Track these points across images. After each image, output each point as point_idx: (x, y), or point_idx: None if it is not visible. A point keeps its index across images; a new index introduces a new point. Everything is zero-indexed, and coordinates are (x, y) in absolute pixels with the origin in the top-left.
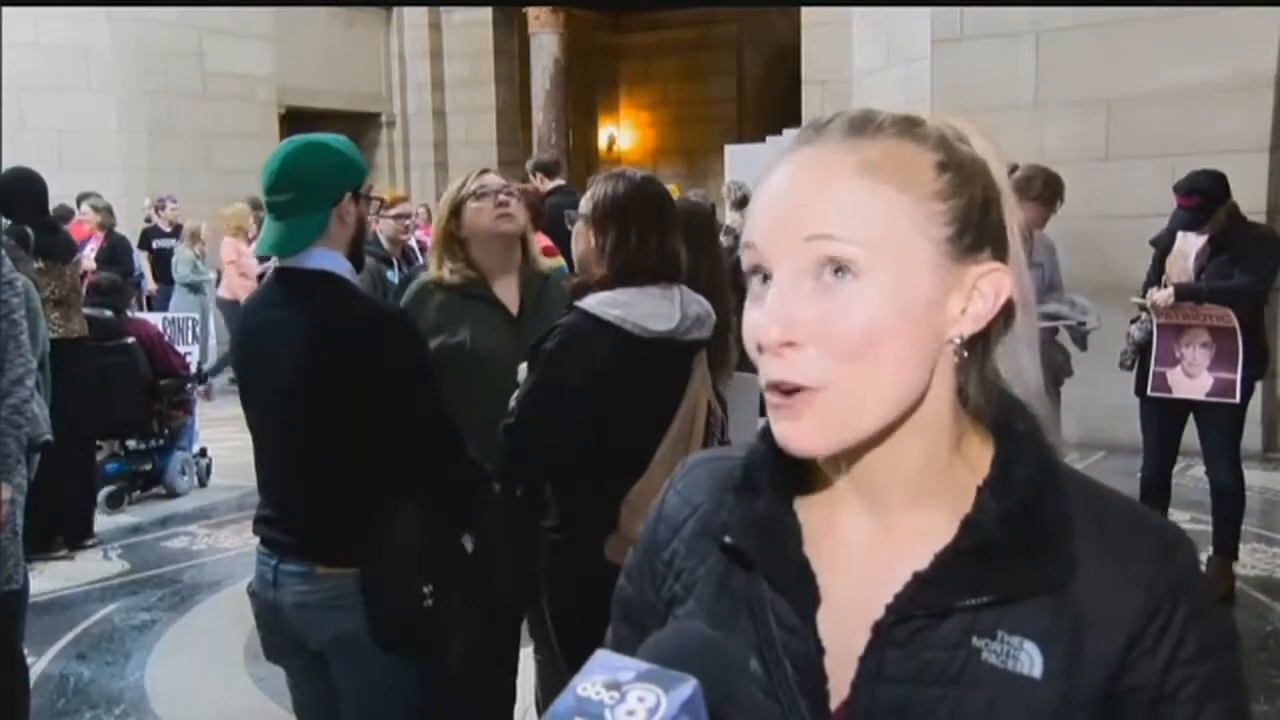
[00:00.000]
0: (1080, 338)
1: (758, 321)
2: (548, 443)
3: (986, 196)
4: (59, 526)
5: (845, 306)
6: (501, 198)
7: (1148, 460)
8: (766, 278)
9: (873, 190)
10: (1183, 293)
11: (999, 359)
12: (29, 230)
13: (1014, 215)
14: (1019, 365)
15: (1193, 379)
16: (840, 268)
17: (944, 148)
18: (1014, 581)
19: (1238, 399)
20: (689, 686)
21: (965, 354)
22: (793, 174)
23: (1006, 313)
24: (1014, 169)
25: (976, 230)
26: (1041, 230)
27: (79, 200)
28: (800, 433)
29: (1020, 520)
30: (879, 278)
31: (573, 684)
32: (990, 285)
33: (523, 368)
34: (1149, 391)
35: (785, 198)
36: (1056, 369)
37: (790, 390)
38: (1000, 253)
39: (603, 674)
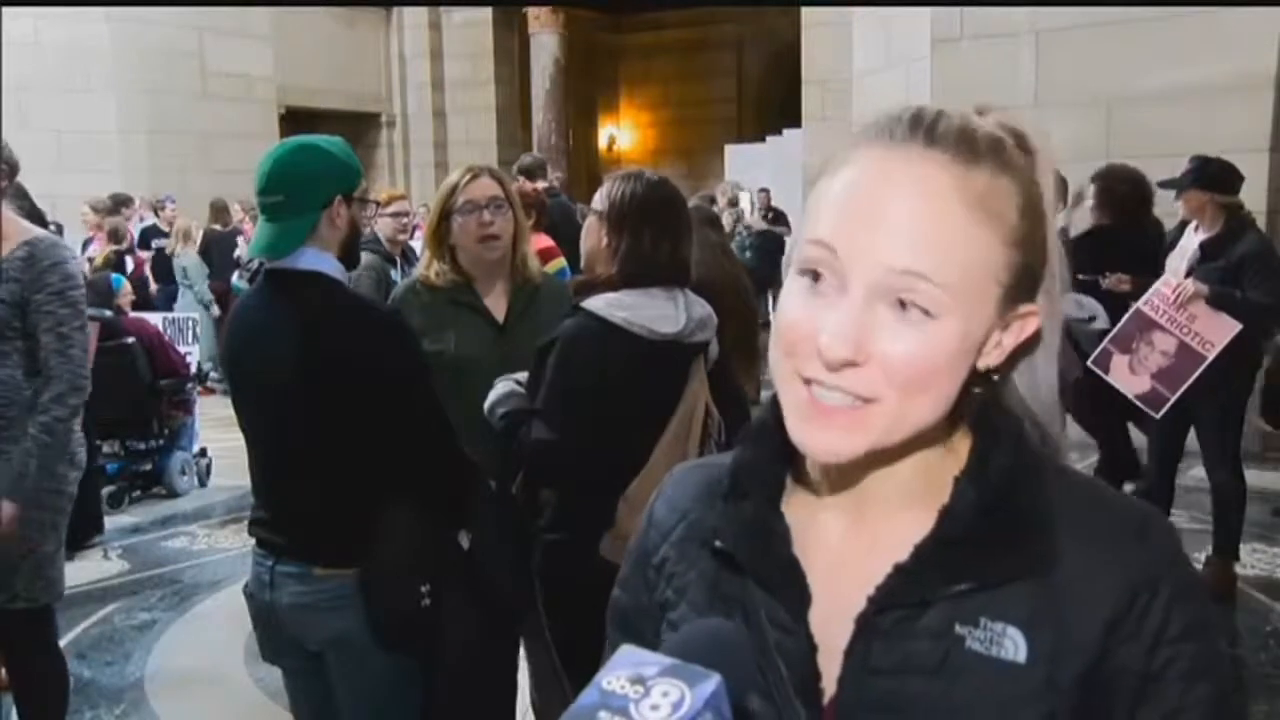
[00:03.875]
0: (1087, 338)
1: (812, 325)
2: (579, 444)
3: (1044, 235)
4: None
5: (919, 344)
6: (485, 217)
7: (1150, 460)
8: (819, 277)
9: (975, 233)
10: (1216, 299)
11: (1016, 375)
12: None
13: (1054, 232)
14: (1035, 378)
15: (1135, 375)
16: (923, 309)
17: (1024, 186)
18: (993, 568)
19: (1157, 415)
20: (713, 682)
21: (986, 383)
22: (894, 190)
23: (1029, 342)
24: None
25: (1031, 279)
26: None
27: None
28: (829, 441)
29: (998, 508)
30: (955, 320)
31: (597, 678)
32: (1021, 324)
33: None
34: (1087, 362)
35: (882, 214)
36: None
37: (830, 409)
38: (1033, 293)
39: (627, 669)
